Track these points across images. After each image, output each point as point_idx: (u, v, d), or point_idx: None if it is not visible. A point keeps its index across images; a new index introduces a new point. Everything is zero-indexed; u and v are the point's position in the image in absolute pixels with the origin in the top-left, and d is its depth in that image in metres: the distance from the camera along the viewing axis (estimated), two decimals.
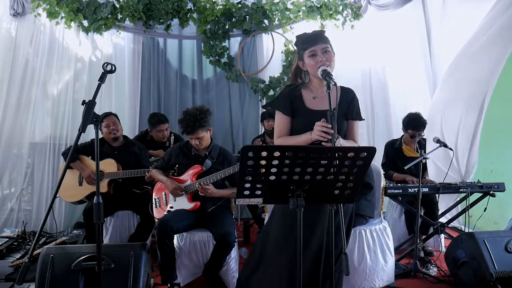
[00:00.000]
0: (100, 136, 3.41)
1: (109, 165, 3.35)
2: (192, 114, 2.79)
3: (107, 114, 3.47)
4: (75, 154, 3.38)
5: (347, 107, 2.06)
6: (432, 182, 3.45)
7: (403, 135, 3.75)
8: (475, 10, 3.52)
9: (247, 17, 4.74)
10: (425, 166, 3.74)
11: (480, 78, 3.26)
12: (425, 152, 3.56)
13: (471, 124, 3.42)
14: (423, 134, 3.61)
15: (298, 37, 2.05)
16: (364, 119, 2.19)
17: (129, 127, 4.60)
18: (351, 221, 2.07)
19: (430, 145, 3.65)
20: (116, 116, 3.51)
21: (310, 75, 2.03)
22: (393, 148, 3.78)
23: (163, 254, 2.69)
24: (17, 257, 3.20)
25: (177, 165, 3.03)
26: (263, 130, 4.52)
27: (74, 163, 3.39)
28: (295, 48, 2.11)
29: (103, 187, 3.31)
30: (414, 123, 3.56)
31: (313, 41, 1.95)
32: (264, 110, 4.28)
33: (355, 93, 2.12)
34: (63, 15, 4.30)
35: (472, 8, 3.56)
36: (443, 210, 3.55)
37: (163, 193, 3.05)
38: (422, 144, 3.70)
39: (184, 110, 2.89)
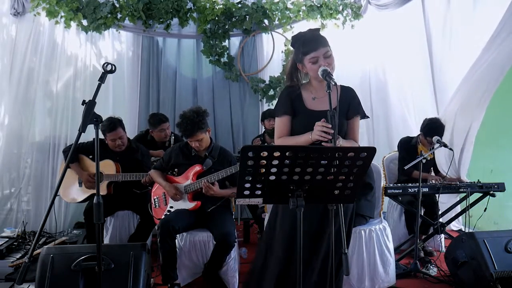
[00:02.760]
0: (101, 136, 3.39)
1: (107, 166, 3.33)
2: (190, 117, 2.76)
3: (113, 128, 3.24)
4: (74, 154, 3.34)
5: (347, 106, 2.05)
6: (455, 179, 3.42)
7: (419, 135, 3.68)
8: (474, 10, 3.52)
9: (247, 16, 4.74)
10: (436, 168, 3.73)
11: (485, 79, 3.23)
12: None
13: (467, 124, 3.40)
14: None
15: (294, 37, 2.02)
16: (369, 117, 2.18)
17: (129, 127, 4.58)
18: (351, 221, 2.07)
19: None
20: (121, 124, 3.33)
21: (310, 76, 2.03)
22: (408, 145, 3.72)
23: (165, 254, 2.69)
24: (17, 257, 3.19)
25: (176, 167, 3.03)
26: (263, 130, 4.52)
27: (72, 164, 3.36)
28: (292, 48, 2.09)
29: (103, 189, 3.29)
30: (436, 131, 3.37)
31: (314, 46, 1.92)
32: (265, 110, 4.27)
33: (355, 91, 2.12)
34: (62, 14, 4.29)
35: (471, 7, 3.56)
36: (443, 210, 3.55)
37: (163, 193, 3.05)
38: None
39: (181, 114, 2.84)
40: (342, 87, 2.07)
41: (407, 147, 3.73)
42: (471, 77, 3.28)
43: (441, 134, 3.41)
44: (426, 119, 3.57)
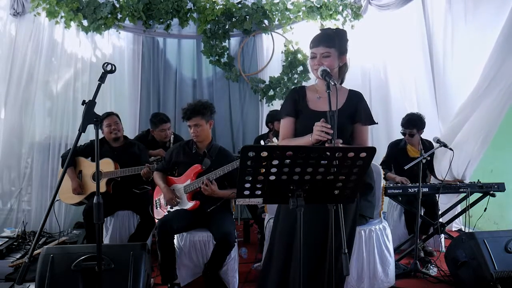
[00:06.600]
0: (101, 136, 3.41)
1: (106, 165, 3.34)
2: (196, 103, 2.89)
3: (109, 114, 3.48)
4: (71, 159, 3.38)
5: (354, 110, 2.04)
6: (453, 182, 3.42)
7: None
8: (475, 9, 3.52)
9: (247, 17, 4.74)
10: (431, 167, 3.72)
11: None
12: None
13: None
14: (415, 132, 3.57)
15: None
16: (377, 123, 2.18)
17: (129, 127, 4.60)
18: (355, 222, 2.06)
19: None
20: (117, 116, 3.52)
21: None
22: (397, 148, 3.75)
23: (164, 254, 2.70)
24: (17, 257, 3.19)
25: (177, 166, 3.03)
26: (262, 130, 4.51)
27: (69, 168, 3.38)
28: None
29: (102, 186, 3.30)
30: (407, 121, 3.57)
31: (316, 43, 1.94)
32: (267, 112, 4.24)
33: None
34: (62, 14, 4.29)
35: (472, 7, 3.56)
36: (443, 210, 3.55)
37: None
38: (426, 146, 3.62)
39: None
40: (351, 91, 2.09)
41: (394, 149, 3.77)
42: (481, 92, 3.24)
43: (419, 127, 3.51)
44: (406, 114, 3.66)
